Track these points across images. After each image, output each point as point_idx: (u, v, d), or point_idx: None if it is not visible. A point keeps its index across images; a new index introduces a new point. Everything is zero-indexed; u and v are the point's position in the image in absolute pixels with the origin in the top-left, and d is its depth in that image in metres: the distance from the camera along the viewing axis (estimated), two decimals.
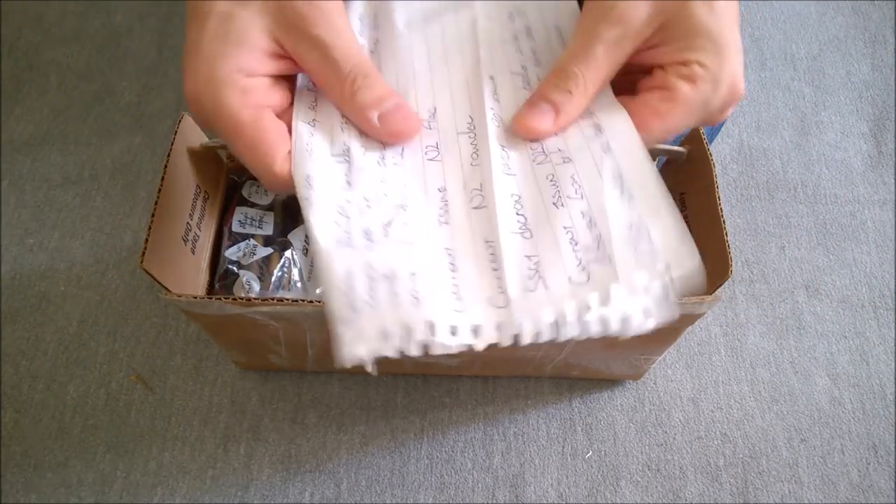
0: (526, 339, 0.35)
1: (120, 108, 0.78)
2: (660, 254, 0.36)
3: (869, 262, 0.69)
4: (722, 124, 0.67)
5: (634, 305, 0.35)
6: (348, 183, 0.39)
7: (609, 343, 0.52)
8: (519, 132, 0.41)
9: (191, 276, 0.50)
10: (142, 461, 0.59)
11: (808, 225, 0.71)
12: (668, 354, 0.64)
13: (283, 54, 0.39)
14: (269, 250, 0.54)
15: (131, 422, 0.61)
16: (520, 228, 0.39)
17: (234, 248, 0.53)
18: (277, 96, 0.40)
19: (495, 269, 0.37)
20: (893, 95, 0.79)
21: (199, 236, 0.51)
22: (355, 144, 0.40)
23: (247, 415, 0.61)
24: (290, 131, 0.40)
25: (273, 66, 0.39)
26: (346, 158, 0.40)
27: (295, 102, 0.41)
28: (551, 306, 0.36)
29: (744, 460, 0.60)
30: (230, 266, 0.53)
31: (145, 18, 0.84)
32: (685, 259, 0.36)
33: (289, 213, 0.57)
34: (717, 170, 0.58)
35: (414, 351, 0.34)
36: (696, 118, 0.39)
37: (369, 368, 0.33)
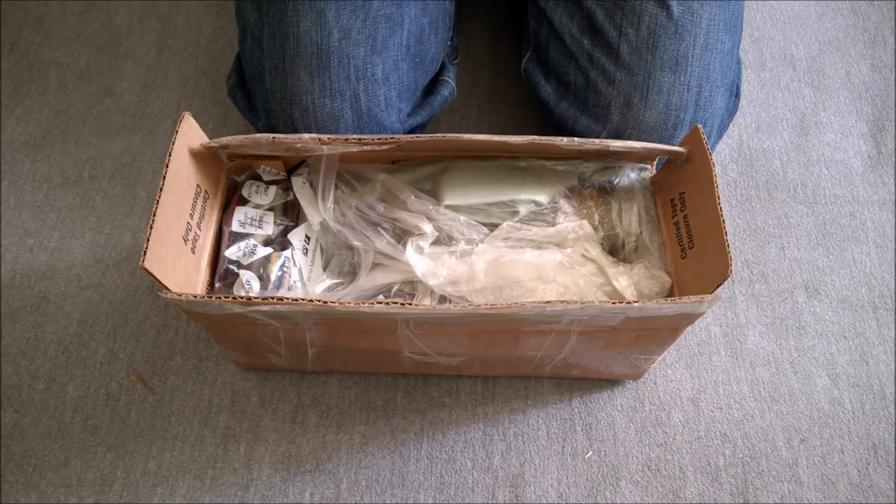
0: None
1: (120, 108, 0.78)
2: None
3: (868, 262, 0.69)
4: (728, 125, 0.67)
5: None
6: None
7: (609, 343, 0.52)
8: None
9: (191, 276, 0.50)
10: (142, 461, 0.59)
11: (807, 225, 0.71)
12: (668, 354, 0.64)
13: None
14: (269, 250, 0.54)
15: (131, 422, 0.61)
16: None
17: (234, 247, 0.53)
18: None
19: None
20: (893, 96, 0.79)
21: (199, 236, 0.51)
22: None
23: (247, 415, 0.61)
24: None
25: None
26: None
27: None
28: None
29: (744, 460, 0.60)
30: (230, 266, 0.53)
31: (145, 18, 0.84)
32: None
33: (289, 213, 0.57)
34: (717, 170, 0.58)
35: None
36: None
37: None
